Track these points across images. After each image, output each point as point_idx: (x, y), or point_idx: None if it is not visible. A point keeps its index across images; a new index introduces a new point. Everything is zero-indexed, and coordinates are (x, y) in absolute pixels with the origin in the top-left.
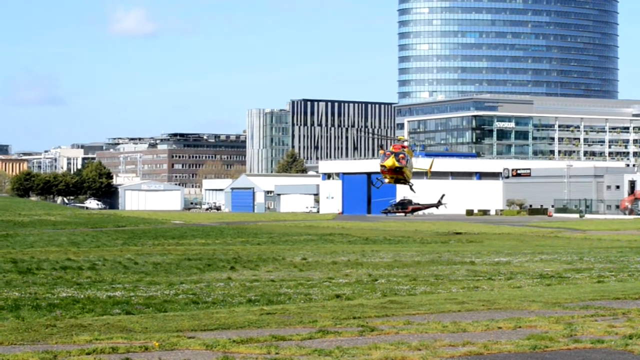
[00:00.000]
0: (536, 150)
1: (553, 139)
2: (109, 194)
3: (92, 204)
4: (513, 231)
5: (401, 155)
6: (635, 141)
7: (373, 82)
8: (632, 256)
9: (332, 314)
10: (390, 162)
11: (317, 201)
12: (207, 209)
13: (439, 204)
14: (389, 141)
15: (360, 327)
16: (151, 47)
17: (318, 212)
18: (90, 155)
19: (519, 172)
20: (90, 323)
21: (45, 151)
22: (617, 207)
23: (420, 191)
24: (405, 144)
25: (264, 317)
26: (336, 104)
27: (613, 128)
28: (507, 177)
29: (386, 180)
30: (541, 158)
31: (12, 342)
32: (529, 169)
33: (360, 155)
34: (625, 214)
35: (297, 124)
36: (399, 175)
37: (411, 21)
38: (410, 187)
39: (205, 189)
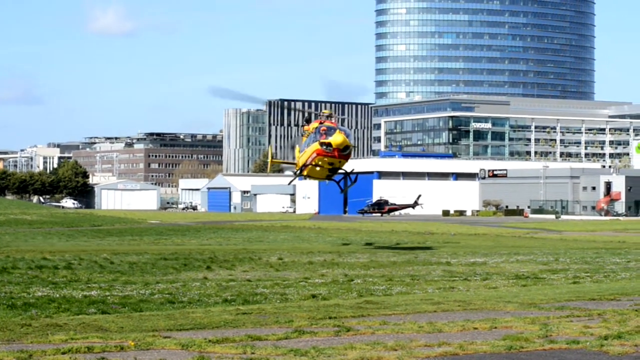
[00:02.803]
0: (512, 151)
1: (529, 140)
2: (85, 193)
3: (68, 203)
4: (489, 232)
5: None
6: (611, 142)
7: (350, 82)
8: (608, 257)
9: (308, 314)
10: (341, 138)
11: (293, 201)
12: (183, 209)
13: (415, 204)
14: (313, 116)
15: (336, 327)
16: (128, 47)
17: (294, 212)
18: (66, 155)
19: (495, 172)
20: (66, 322)
21: (21, 150)
22: (593, 208)
23: (396, 191)
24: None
25: (240, 317)
26: (313, 104)
27: (589, 129)
28: (484, 178)
29: (317, 169)
30: (517, 159)
31: None
32: (505, 169)
33: None
34: (601, 215)
35: (273, 124)
36: (343, 159)
37: (388, 22)
38: (345, 181)
39: (182, 189)
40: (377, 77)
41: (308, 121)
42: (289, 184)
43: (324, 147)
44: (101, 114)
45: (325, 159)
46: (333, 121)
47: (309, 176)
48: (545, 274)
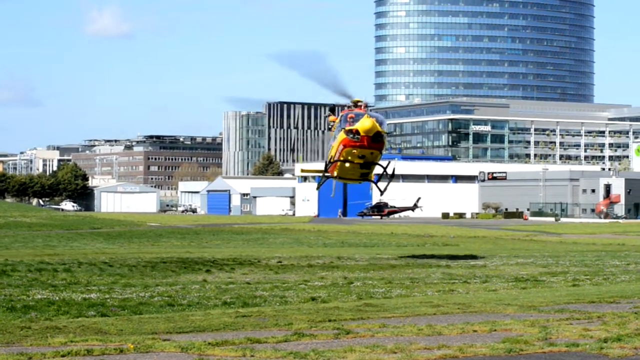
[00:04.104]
0: (512, 154)
1: (529, 142)
2: (84, 196)
3: (68, 205)
4: (489, 234)
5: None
6: (610, 145)
7: (350, 84)
8: (607, 260)
9: (307, 316)
10: (369, 123)
11: (293, 204)
12: (182, 211)
13: (414, 207)
14: (338, 108)
15: (335, 330)
16: (126, 48)
17: (294, 214)
18: (66, 157)
19: (494, 175)
20: (65, 325)
21: (21, 153)
22: (593, 210)
23: (396, 194)
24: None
25: (239, 319)
26: (312, 107)
27: (589, 132)
28: (483, 181)
29: (347, 166)
30: (517, 161)
31: None
32: (505, 172)
33: None
34: (600, 217)
35: (273, 127)
36: (375, 150)
37: (388, 24)
38: (379, 184)
39: (181, 191)
40: (376, 80)
41: (333, 111)
42: (317, 188)
43: (351, 135)
44: (100, 117)
45: (354, 150)
46: (362, 108)
47: (340, 177)
48: (545, 277)
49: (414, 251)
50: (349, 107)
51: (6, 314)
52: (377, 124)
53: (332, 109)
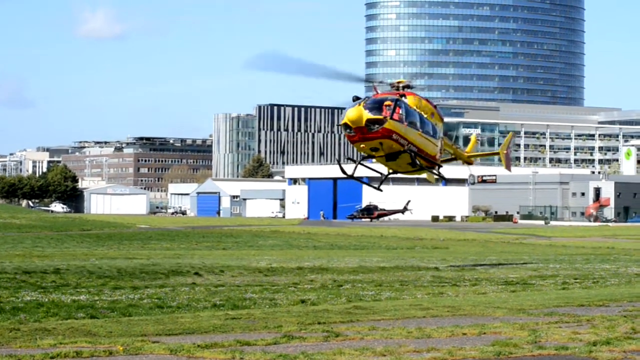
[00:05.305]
0: None
1: (519, 145)
2: (74, 198)
3: (58, 207)
4: (478, 237)
5: (387, 103)
6: (600, 148)
7: (340, 87)
8: (597, 263)
9: (297, 319)
10: (353, 112)
11: (283, 206)
12: (172, 214)
13: (404, 209)
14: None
15: (325, 332)
16: (118, 50)
17: (284, 217)
18: (55, 159)
19: (484, 178)
20: (55, 327)
21: (11, 154)
22: (582, 214)
23: (386, 197)
24: (415, 91)
25: (228, 322)
26: (303, 109)
27: (579, 135)
28: (473, 184)
29: (374, 160)
30: None
31: None
32: (495, 175)
33: (327, 161)
34: (590, 221)
35: (263, 129)
36: (383, 139)
37: (378, 27)
38: (439, 174)
39: (171, 193)
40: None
41: (356, 98)
42: (378, 189)
43: (347, 130)
44: (91, 118)
45: (362, 144)
46: (381, 92)
47: (394, 171)
48: (535, 280)
49: (403, 254)
50: (395, 85)
51: None
52: (367, 111)
53: (356, 100)
